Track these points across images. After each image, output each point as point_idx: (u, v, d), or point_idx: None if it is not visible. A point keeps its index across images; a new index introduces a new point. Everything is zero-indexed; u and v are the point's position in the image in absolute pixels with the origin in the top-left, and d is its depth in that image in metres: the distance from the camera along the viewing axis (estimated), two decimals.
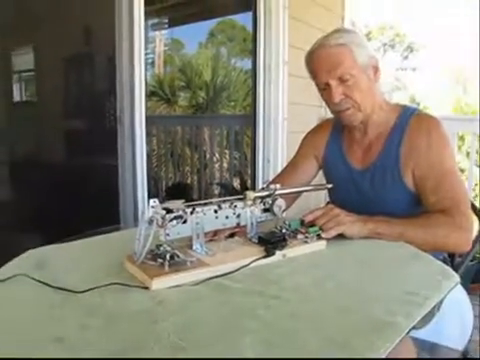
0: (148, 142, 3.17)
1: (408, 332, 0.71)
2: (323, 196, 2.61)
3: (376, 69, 1.31)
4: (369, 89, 1.29)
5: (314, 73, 1.32)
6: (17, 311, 0.75)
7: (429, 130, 1.27)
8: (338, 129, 1.48)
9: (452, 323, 1.19)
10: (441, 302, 0.86)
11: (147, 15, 2.36)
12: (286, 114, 3.05)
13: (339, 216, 1.13)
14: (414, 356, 0.99)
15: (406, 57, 16.21)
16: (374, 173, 1.34)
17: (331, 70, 1.26)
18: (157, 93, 5.98)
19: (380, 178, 1.32)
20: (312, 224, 1.12)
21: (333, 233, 1.10)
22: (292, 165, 1.56)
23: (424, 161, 1.25)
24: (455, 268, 1.28)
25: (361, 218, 1.15)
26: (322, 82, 1.29)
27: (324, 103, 1.36)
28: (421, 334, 0.90)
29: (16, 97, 3.34)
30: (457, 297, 1.19)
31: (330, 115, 1.44)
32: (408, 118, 1.31)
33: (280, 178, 1.48)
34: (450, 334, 1.20)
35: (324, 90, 1.31)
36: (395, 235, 1.13)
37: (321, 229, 1.10)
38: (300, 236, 1.08)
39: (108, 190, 2.43)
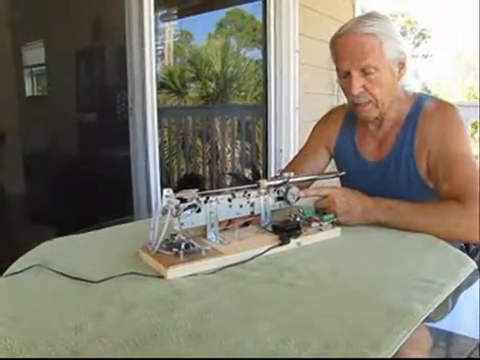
0: (160, 133, 3.17)
1: (424, 320, 0.71)
2: (336, 184, 2.60)
3: (403, 65, 1.25)
4: (391, 85, 1.24)
5: (337, 58, 1.25)
6: (35, 301, 0.75)
7: (444, 116, 1.24)
8: (351, 118, 1.43)
9: (468, 311, 1.18)
10: (458, 294, 0.85)
11: (156, 7, 2.35)
12: (298, 103, 3.03)
13: (336, 207, 1.12)
14: (431, 344, 0.99)
15: (418, 44, 15.99)
16: (388, 165, 1.31)
17: (355, 60, 1.19)
18: (167, 85, 5.98)
19: (394, 170, 1.30)
20: (326, 212, 1.12)
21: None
22: (302, 157, 1.52)
23: (437, 146, 1.21)
24: (471, 255, 1.26)
25: (365, 208, 1.13)
26: (343, 70, 1.23)
27: (340, 91, 1.32)
28: (437, 323, 0.89)
29: (28, 92, 3.35)
30: (473, 285, 1.17)
31: (341, 102, 1.41)
32: (423, 106, 1.28)
33: (290, 169, 1.44)
34: (466, 322, 1.19)
35: (344, 78, 1.25)
36: (401, 224, 1.11)
37: (335, 216, 1.10)
38: (314, 224, 1.08)
39: (121, 182, 2.45)
